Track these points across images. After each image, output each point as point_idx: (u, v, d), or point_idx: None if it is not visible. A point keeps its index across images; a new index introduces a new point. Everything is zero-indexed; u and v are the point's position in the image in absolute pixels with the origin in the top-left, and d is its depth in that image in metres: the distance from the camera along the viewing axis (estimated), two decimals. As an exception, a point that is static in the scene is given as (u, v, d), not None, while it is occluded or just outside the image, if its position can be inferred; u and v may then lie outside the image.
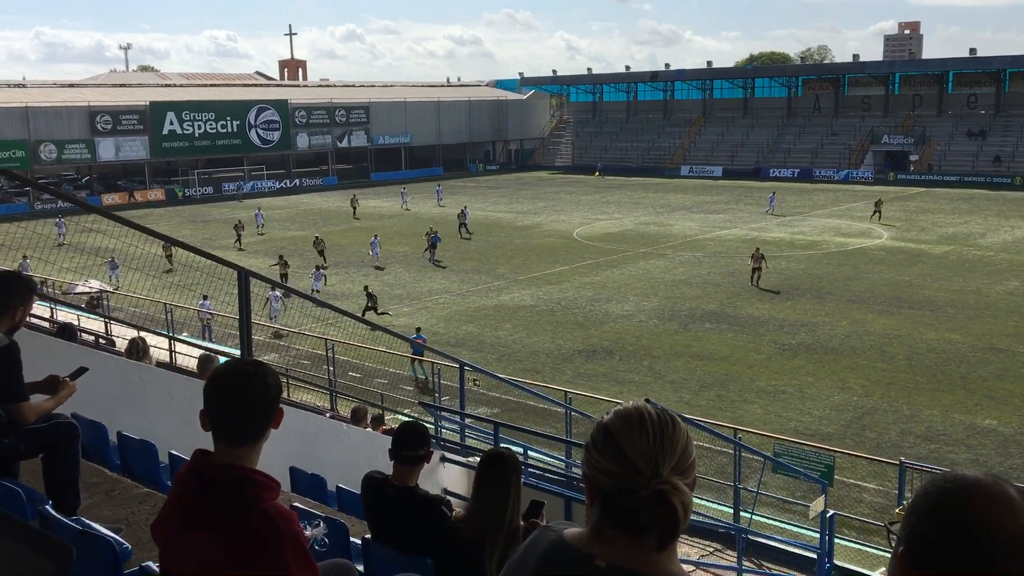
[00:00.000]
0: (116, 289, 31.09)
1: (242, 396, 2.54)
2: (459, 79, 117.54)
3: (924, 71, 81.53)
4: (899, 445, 17.81)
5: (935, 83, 79.13)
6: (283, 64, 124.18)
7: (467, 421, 11.20)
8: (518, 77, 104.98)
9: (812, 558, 10.80)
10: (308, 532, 3.38)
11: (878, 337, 25.96)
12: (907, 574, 1.47)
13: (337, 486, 6.61)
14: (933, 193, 63.66)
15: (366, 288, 30.27)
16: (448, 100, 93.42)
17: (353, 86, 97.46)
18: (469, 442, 10.63)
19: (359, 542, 4.30)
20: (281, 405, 2.68)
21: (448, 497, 5.54)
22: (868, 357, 24.19)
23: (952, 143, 73.76)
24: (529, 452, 10.54)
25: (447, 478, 8.86)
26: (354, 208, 57.16)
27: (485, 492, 3.64)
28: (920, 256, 38.82)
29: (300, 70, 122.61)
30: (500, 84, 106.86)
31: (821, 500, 10.93)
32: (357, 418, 10.26)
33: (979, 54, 79.06)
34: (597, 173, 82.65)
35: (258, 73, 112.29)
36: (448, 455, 9.01)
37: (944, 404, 20.46)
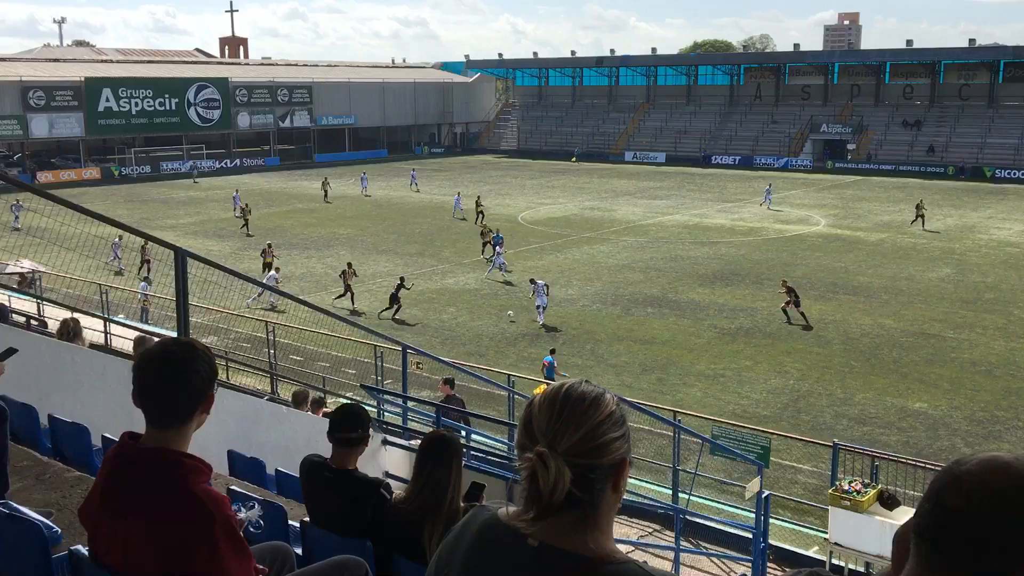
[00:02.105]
0: (119, 271, 30.90)
1: (168, 378, 2.48)
2: (404, 60, 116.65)
3: (862, 61, 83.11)
4: (833, 427, 18.25)
5: (873, 73, 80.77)
6: (224, 41, 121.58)
7: (409, 404, 11.19)
8: (464, 60, 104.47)
9: (748, 538, 11.04)
10: (242, 515, 3.35)
11: (814, 322, 26.50)
12: (903, 544, 1.52)
13: (276, 469, 6.55)
14: (870, 181, 65.09)
15: (401, 281, 28.40)
16: (393, 81, 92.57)
17: (296, 65, 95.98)
18: (412, 425, 10.62)
19: (298, 525, 4.27)
20: (216, 389, 2.62)
21: (388, 480, 5.54)
22: (805, 342, 24.70)
23: (888, 133, 75.43)
24: (472, 435, 10.56)
25: (389, 461, 8.84)
26: (325, 191, 55.11)
27: (425, 474, 3.65)
28: (856, 243, 39.69)
29: (241, 48, 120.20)
30: (446, 66, 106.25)
31: (757, 481, 11.16)
32: (298, 401, 10.16)
33: (915, 46, 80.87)
34: (574, 159, 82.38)
35: (198, 50, 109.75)
36: (390, 438, 8.99)
37: (877, 388, 21.00)
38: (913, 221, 43.54)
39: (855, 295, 29.75)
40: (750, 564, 10.51)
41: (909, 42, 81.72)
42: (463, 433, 10.82)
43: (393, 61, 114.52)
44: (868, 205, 52.33)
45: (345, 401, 11.28)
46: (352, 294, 28.35)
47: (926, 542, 1.46)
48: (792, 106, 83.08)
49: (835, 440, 13.72)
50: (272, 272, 29.62)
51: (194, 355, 2.52)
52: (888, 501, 11.01)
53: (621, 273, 33.37)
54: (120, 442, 2.53)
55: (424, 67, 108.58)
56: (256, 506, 3.73)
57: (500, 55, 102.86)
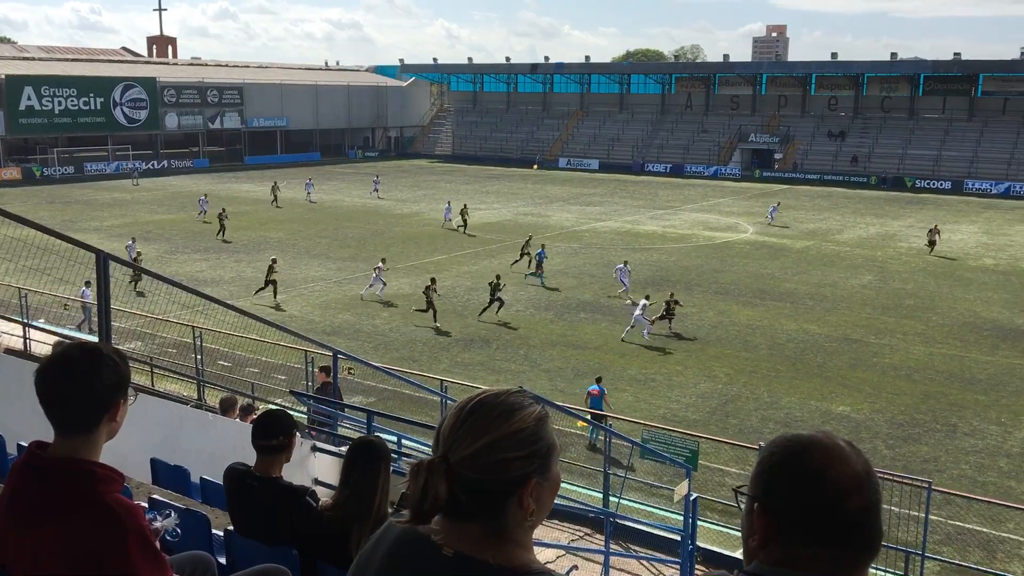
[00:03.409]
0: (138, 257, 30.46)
1: (69, 384, 2.39)
2: (338, 63, 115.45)
3: (789, 73, 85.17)
4: (760, 431, 18.62)
5: (799, 85, 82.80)
6: (152, 40, 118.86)
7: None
8: (398, 63, 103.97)
9: (676, 540, 11.19)
10: (157, 524, 3.28)
11: (742, 327, 27.04)
12: (765, 526, 1.67)
13: (201, 477, 6.43)
14: (796, 190, 66.66)
15: (497, 279, 28.01)
16: (326, 84, 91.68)
17: (226, 66, 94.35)
18: (342, 431, 10.51)
19: (221, 534, 4.20)
20: (133, 396, 2.55)
21: (315, 487, 5.48)
22: (733, 347, 25.17)
23: (814, 143, 77.39)
24: (403, 440, 10.51)
25: (318, 468, 8.74)
26: (275, 196, 53.93)
27: (352, 481, 3.62)
28: (782, 251, 40.61)
29: (170, 47, 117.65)
30: (380, 70, 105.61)
31: (685, 484, 11.33)
32: (225, 408, 9.99)
33: (840, 59, 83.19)
34: (535, 166, 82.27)
35: (124, 49, 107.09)
36: (320, 444, 8.88)
37: (802, 392, 21.50)
38: (927, 244, 40.20)
39: (781, 301, 30.43)
40: (678, 566, 10.66)
41: (834, 55, 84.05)
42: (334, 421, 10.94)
43: (326, 64, 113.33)
44: (794, 213, 53.59)
45: (274, 407, 11.12)
46: (435, 311, 27.01)
47: (786, 522, 1.66)
48: (721, 115, 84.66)
49: (760, 443, 13.99)
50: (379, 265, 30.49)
51: (97, 361, 2.41)
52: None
53: (554, 279, 33.56)
54: (27, 451, 2.44)
55: (358, 70, 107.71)
56: (172, 515, 3.66)
57: (435, 60, 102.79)
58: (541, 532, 11.23)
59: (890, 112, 78.05)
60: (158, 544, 2.49)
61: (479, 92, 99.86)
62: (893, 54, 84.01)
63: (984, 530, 14.46)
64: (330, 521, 3.66)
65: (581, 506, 11.30)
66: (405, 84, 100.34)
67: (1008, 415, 19.96)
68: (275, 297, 28.82)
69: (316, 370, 14.40)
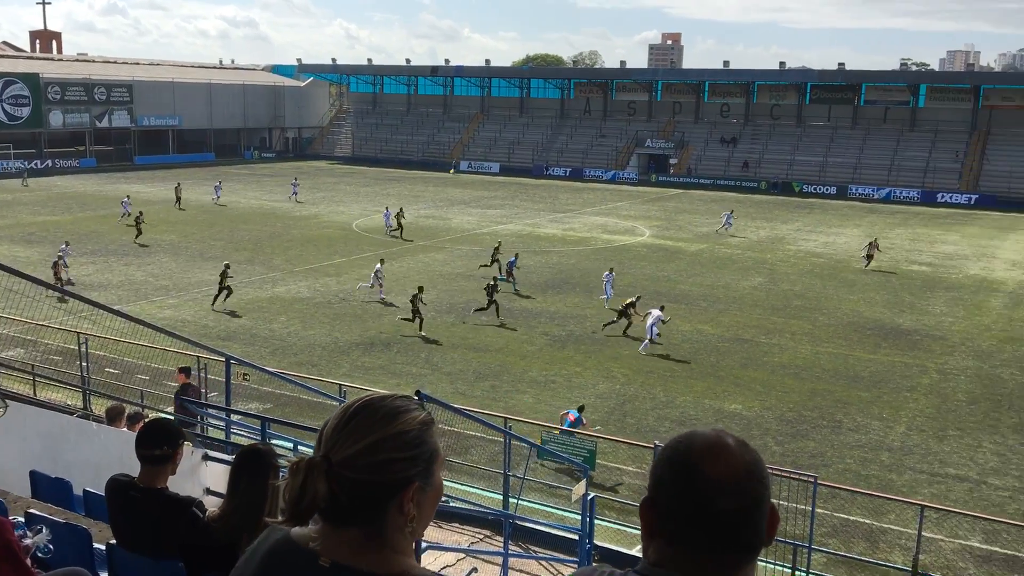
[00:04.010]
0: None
1: None
2: (233, 61, 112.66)
3: (683, 80, 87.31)
4: (656, 430, 19.01)
5: (693, 92, 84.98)
6: (34, 35, 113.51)
7: (233, 417, 10.81)
8: (296, 63, 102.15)
9: (574, 539, 11.33)
10: (28, 540, 3.15)
11: (640, 329, 27.56)
12: (645, 520, 1.67)
13: (84, 490, 6.18)
14: (690, 195, 68.39)
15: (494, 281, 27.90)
16: (221, 83, 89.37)
17: (115, 62, 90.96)
18: (236, 439, 10.26)
19: (104, 548, 4.05)
20: (3, 407, 2.44)
21: (206, 497, 5.34)
22: (630, 347, 25.63)
23: (707, 148, 79.55)
24: (299, 446, 10.33)
25: (210, 477, 8.50)
26: (178, 197, 51.81)
27: (239, 490, 3.53)
28: (678, 253, 41.60)
29: (54, 42, 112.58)
30: (277, 69, 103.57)
31: (583, 484, 11.49)
32: (112, 417, 9.61)
33: (732, 67, 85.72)
34: (452, 171, 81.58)
35: (5, 43, 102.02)
36: (212, 453, 8.65)
37: (696, 391, 22.07)
38: (866, 262, 38.73)
39: (677, 302, 31.14)
40: (576, 565, 10.80)
41: (726, 63, 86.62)
42: (198, 420, 10.79)
43: (221, 62, 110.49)
44: (689, 217, 54.97)
45: (166, 416, 10.78)
46: (421, 319, 26.48)
47: (666, 517, 1.64)
48: (619, 121, 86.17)
49: (656, 442, 14.31)
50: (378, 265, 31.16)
51: None
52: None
53: (456, 281, 33.56)
54: None
55: (254, 69, 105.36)
56: (44, 529, 3.51)
57: (334, 60, 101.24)
58: (441, 535, 11.21)
59: (779, 119, 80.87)
60: (29, 560, 2.39)
61: (379, 94, 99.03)
62: (782, 63, 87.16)
63: (867, 521, 15.13)
64: (218, 532, 3.57)
65: (481, 508, 11.32)
66: (303, 84, 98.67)
67: (889, 411, 20.93)
68: (223, 302, 28.41)
69: (177, 371, 14.02)
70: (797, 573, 12.47)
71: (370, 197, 59.85)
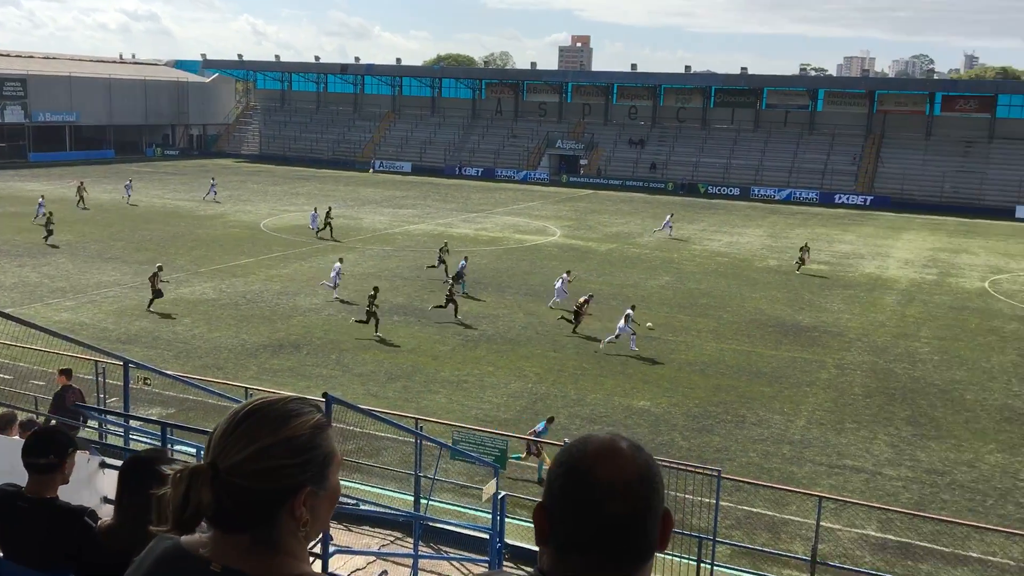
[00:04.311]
0: None
1: None
2: (134, 56, 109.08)
3: (593, 82, 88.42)
4: (567, 427, 19.21)
5: (602, 94, 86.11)
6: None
7: (132, 423, 10.48)
8: (200, 59, 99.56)
9: (485, 539, 11.36)
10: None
11: (551, 327, 27.81)
12: (539, 523, 1.63)
13: (-29, 502, 5.89)
14: (600, 195, 69.30)
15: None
16: (121, 78, 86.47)
17: (8, 55, 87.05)
18: (135, 446, 9.94)
19: (-10, 562, 3.87)
20: None
21: (99, 507, 5.16)
22: (542, 346, 25.84)
23: (616, 150, 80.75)
24: (202, 452, 10.08)
25: (108, 486, 8.23)
26: (81, 196, 49.27)
27: (128, 501, 3.41)
28: (588, 253, 42.10)
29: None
30: (180, 65, 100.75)
31: (493, 483, 11.52)
32: (1, 425, 9.20)
33: (639, 70, 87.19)
34: (371, 171, 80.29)
35: None
36: (109, 461, 8.37)
37: (606, 388, 22.39)
38: (800, 265, 38.70)
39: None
40: (487, 565, 10.83)
41: (634, 66, 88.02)
42: (80, 422, 10.54)
43: (121, 56, 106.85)
44: (599, 217, 55.69)
45: (69, 422, 10.38)
46: (377, 321, 26.27)
47: (556, 522, 1.60)
48: (530, 122, 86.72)
49: (566, 439, 14.47)
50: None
51: None
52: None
53: (367, 281, 33.22)
54: None
55: (156, 64, 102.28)
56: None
57: (240, 56, 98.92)
58: (351, 539, 11.09)
59: (685, 122, 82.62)
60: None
61: (287, 91, 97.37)
62: (687, 67, 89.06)
63: (770, 513, 15.60)
64: (110, 543, 3.45)
65: (391, 511, 11.25)
66: (208, 80, 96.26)
67: (790, 405, 21.62)
68: (148, 307, 27.60)
69: (57, 373, 13.54)
70: (702, 566, 12.77)
71: (278, 196, 58.79)
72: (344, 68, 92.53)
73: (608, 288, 33.92)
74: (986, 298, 35.21)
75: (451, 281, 29.78)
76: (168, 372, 13.02)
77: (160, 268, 28.97)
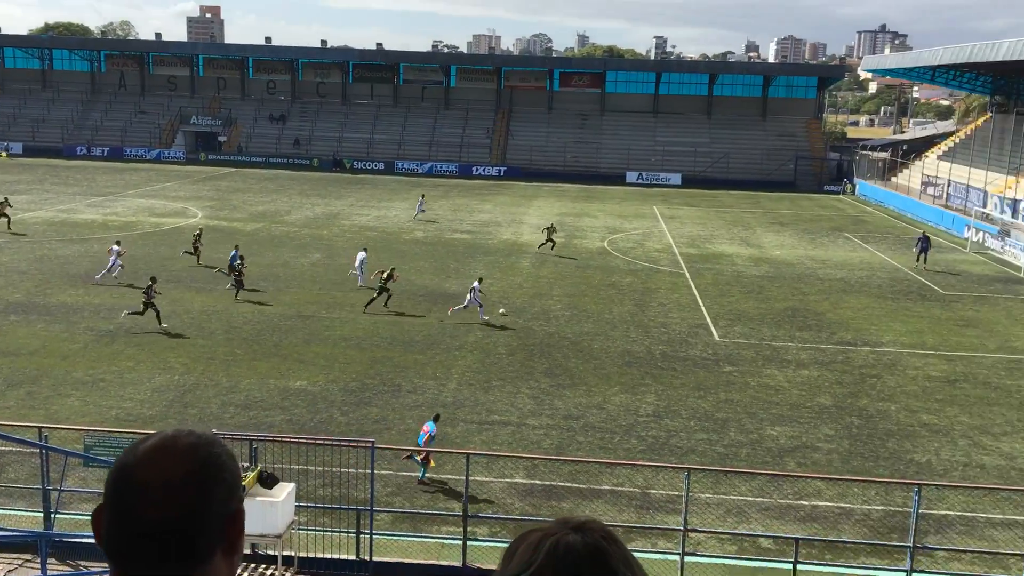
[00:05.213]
0: None
1: None
2: None
3: (226, 55, 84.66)
4: (221, 417, 18.49)
5: (238, 68, 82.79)
6: None
7: None
8: None
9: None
10: None
11: (197, 314, 26.48)
12: (94, 526, 1.48)
13: None
14: (243, 173, 66.86)
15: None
16: None
17: None
18: None
19: None
20: None
21: None
22: (188, 334, 24.52)
23: (257, 126, 78.23)
24: None
25: None
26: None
27: None
28: (234, 233, 40.46)
29: None
30: None
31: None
32: None
33: (274, 43, 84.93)
34: (4, 154, 68.42)
35: None
36: None
37: (260, 372, 21.80)
38: (542, 245, 39.21)
39: (219, 284, 30.36)
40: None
41: (268, 39, 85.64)
42: None
43: None
44: (243, 196, 53.75)
45: None
46: (157, 312, 23.76)
47: (108, 533, 1.45)
48: (160, 96, 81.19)
49: (214, 429, 13.91)
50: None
51: None
52: (267, 480, 11.54)
53: (-27, 280, 29.29)
54: None
55: None
56: None
57: None
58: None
59: (325, 97, 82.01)
60: None
61: None
62: (323, 41, 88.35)
63: (428, 476, 16.21)
64: None
65: (12, 533, 10.10)
66: None
67: (442, 370, 22.53)
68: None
69: None
70: (362, 536, 12.98)
71: None
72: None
73: (257, 269, 32.91)
74: (606, 256, 39.13)
75: (226, 272, 28.54)
76: None
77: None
